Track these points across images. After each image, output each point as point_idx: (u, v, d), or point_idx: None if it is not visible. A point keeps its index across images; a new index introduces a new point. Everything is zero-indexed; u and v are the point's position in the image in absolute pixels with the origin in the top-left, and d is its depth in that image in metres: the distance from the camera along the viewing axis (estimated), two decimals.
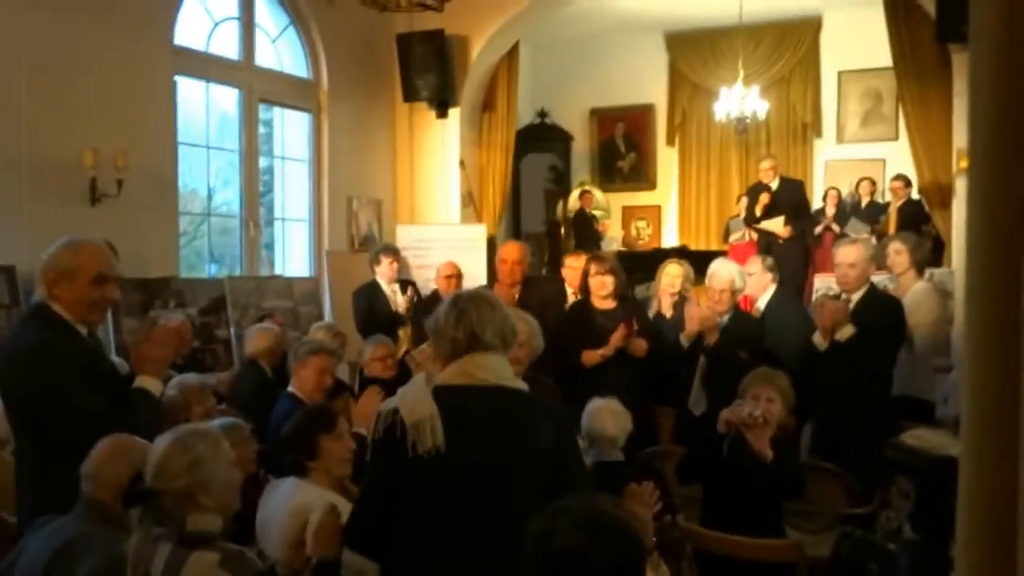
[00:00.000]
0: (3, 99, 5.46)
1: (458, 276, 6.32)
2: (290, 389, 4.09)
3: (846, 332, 4.17)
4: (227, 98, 7.60)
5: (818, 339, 4.26)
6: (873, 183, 9.60)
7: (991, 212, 0.73)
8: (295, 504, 2.66)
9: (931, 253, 7.34)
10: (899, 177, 8.91)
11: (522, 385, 2.21)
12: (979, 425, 0.73)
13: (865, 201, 9.51)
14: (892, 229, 8.33)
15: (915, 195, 8.73)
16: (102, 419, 2.59)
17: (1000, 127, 0.72)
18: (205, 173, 7.63)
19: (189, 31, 6.96)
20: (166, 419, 2.88)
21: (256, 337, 5.09)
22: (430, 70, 8.46)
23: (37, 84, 5.61)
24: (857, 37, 10.21)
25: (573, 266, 5.56)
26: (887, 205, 9.17)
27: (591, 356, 4.52)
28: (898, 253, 4.92)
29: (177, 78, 6.74)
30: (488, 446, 2.06)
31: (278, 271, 7.99)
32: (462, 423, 2.07)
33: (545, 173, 11.86)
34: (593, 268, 4.74)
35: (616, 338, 4.46)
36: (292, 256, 8.33)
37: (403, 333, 6.13)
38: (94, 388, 2.65)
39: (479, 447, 2.06)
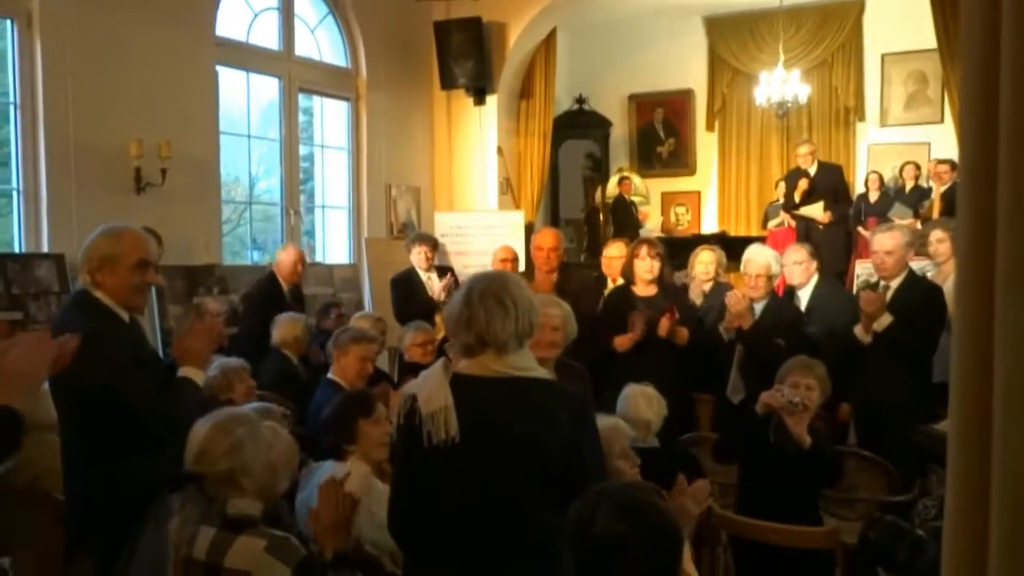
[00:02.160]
0: (51, 92, 5.60)
1: (514, 260, 6.34)
2: (330, 376, 4.16)
3: (883, 322, 4.13)
4: (267, 88, 7.69)
5: (860, 332, 4.22)
6: (917, 167, 9.43)
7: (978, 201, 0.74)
8: None
9: None
10: (944, 161, 8.74)
11: (542, 373, 2.17)
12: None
13: (910, 185, 9.35)
14: (936, 214, 8.19)
15: None
16: (149, 405, 2.65)
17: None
18: (247, 162, 7.74)
19: (230, 22, 7.05)
20: (209, 399, 2.94)
21: (283, 325, 5.18)
22: (467, 57, 8.47)
23: (83, 77, 5.73)
24: (901, 18, 10.02)
25: (611, 255, 5.54)
26: (931, 189, 9.01)
27: (622, 341, 4.52)
28: (940, 241, 4.84)
29: (218, 68, 6.84)
30: (503, 437, 2.05)
31: (318, 258, 8.09)
32: (478, 414, 2.05)
33: (583, 160, 11.81)
34: (644, 250, 4.67)
35: (661, 327, 4.45)
36: (332, 243, 8.43)
37: (439, 319, 6.18)
38: (140, 375, 2.70)
39: (493, 438, 2.05)
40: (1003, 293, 0.71)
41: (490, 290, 2.10)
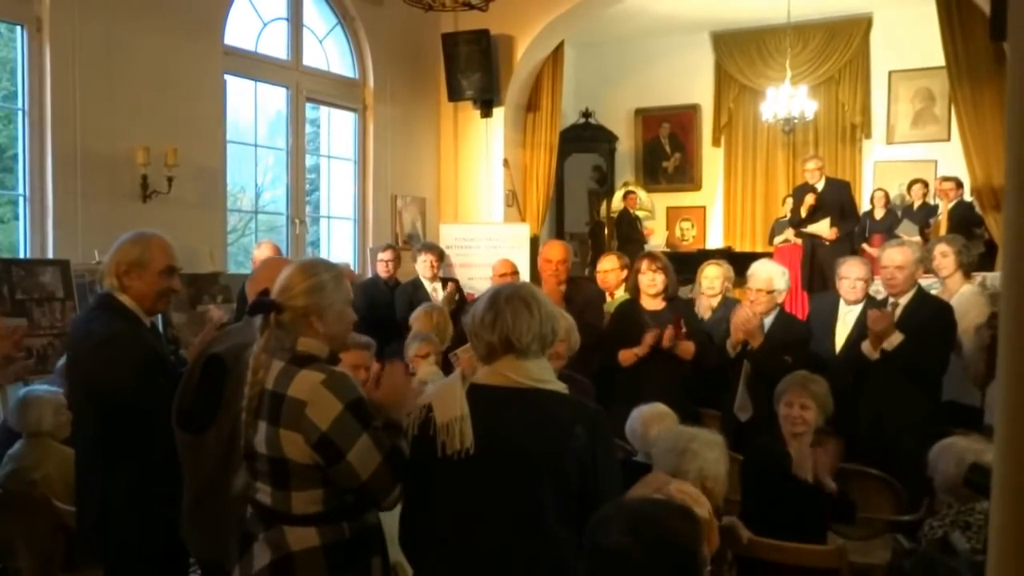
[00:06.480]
0: (59, 98, 5.61)
1: (514, 274, 6.32)
2: None
3: (893, 340, 4.08)
4: (275, 97, 7.71)
5: (867, 348, 4.17)
6: (925, 185, 9.42)
7: None
8: None
9: (983, 257, 7.18)
10: (949, 178, 8.74)
11: (559, 386, 2.16)
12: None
13: (917, 203, 9.34)
14: (943, 232, 8.17)
15: (967, 197, 8.55)
16: (166, 409, 2.65)
17: None
18: (253, 171, 7.74)
19: (239, 31, 7.07)
20: None
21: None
22: (475, 70, 8.50)
23: (91, 83, 5.74)
24: (908, 36, 10.04)
25: (605, 269, 5.52)
26: (938, 207, 9.00)
27: (627, 355, 4.49)
28: (944, 255, 4.80)
29: (226, 77, 6.85)
30: (518, 449, 2.03)
31: None
32: (494, 425, 2.04)
33: (589, 173, 11.82)
34: (645, 265, 4.66)
35: (664, 337, 4.40)
36: (337, 253, 8.42)
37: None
38: (159, 379, 2.71)
39: (509, 450, 2.03)
40: None
41: (517, 294, 2.15)
